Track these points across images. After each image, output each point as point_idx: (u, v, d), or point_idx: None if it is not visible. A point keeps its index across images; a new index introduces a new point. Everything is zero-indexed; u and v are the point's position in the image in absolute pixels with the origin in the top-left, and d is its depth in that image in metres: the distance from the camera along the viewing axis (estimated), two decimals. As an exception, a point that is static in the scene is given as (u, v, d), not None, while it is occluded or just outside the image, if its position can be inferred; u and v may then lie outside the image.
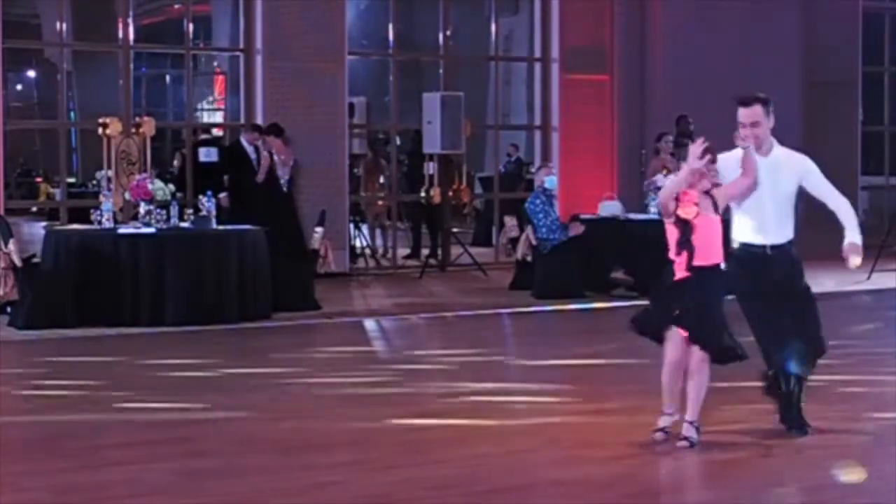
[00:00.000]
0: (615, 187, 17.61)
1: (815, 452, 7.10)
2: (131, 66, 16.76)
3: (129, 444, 7.33)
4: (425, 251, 18.52)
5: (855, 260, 7.35)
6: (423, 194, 17.79)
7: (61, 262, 12.28)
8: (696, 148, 7.09)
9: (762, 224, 7.32)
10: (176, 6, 28.43)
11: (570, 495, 6.33)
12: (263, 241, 12.71)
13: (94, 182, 17.00)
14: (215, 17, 28.45)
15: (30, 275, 12.20)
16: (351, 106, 17.49)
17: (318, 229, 14.05)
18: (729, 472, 6.81)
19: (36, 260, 12.67)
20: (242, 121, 16.86)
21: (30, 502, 6.20)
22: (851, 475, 6.65)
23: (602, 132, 18.63)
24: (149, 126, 14.28)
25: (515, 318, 13.40)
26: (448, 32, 18.47)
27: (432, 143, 17.08)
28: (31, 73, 32.76)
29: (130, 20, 16.61)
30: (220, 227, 12.84)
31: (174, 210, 12.79)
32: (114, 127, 13.86)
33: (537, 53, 18.98)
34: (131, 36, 16.63)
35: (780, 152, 7.41)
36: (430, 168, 17.63)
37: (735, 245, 7.42)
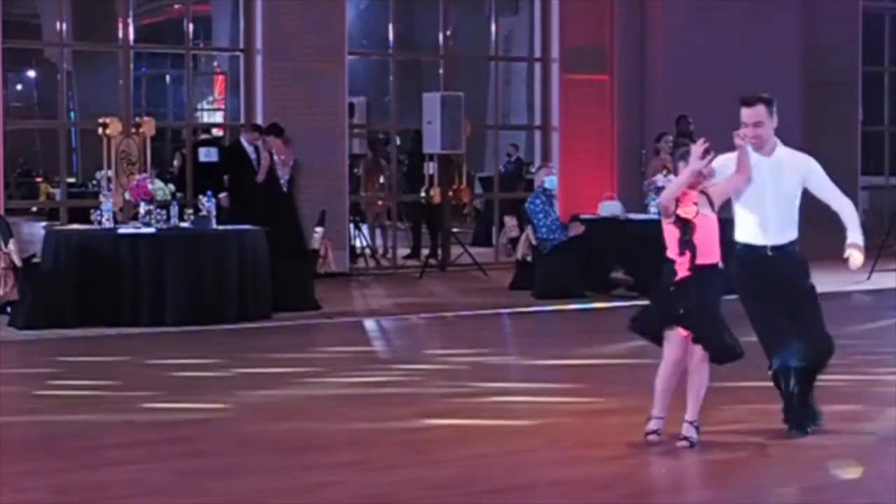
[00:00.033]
0: (615, 187, 17.60)
1: (815, 452, 7.09)
2: (131, 66, 16.76)
3: (129, 444, 7.33)
4: (425, 251, 18.51)
5: (857, 260, 7.35)
6: (423, 194, 17.78)
7: (61, 262, 12.28)
8: (697, 148, 7.09)
9: (764, 224, 7.30)
10: (176, 6, 28.43)
11: (570, 495, 6.33)
12: (263, 241, 12.71)
13: (94, 182, 16.98)
14: (215, 17, 28.44)
15: (30, 275, 12.20)
16: (351, 106, 17.49)
17: (318, 229, 14.04)
18: (729, 472, 6.81)
19: (36, 260, 12.67)
20: (242, 121, 16.86)
21: (30, 502, 6.20)
22: (851, 475, 6.65)
23: (602, 132, 18.62)
24: (149, 126, 14.28)
25: (515, 318, 13.40)
26: (448, 32, 18.46)
27: (432, 143, 17.08)
28: (31, 73, 32.76)
29: (130, 20, 16.61)
30: (220, 227, 12.84)
31: (174, 210, 12.78)
32: (114, 127, 13.85)
33: (537, 53, 18.98)
34: (131, 36, 16.63)
35: (783, 152, 7.39)
36: (430, 168, 17.62)
37: (737, 245, 7.42)
